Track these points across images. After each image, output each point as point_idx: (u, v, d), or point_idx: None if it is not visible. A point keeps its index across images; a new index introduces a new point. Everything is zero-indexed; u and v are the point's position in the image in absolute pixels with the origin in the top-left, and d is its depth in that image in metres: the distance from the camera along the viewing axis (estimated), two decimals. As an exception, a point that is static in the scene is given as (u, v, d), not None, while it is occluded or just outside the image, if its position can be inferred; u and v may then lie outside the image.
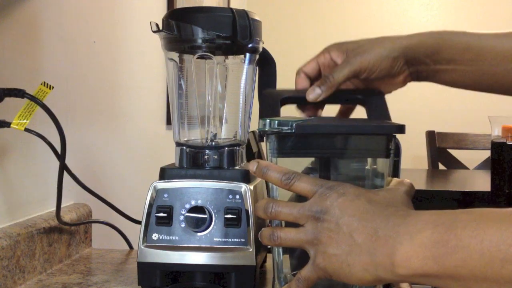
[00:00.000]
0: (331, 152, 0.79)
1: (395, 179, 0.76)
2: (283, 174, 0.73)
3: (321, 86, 0.88)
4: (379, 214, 0.67)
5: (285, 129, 0.75)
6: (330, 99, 0.89)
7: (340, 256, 0.67)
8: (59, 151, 1.06)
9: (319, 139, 0.78)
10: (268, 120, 0.77)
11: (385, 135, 0.77)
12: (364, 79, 0.90)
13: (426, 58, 0.89)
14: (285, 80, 1.02)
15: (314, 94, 0.88)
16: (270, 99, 0.88)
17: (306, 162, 0.81)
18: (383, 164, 0.78)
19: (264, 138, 0.80)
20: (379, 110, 0.86)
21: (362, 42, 0.91)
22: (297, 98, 0.91)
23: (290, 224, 0.74)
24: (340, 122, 0.79)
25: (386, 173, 0.78)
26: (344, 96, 0.90)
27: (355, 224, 0.66)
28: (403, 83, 0.93)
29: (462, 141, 3.33)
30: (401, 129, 0.76)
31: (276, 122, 0.76)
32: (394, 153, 0.77)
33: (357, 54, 0.89)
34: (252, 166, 0.75)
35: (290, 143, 0.78)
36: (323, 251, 0.68)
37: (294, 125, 0.74)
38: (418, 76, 0.92)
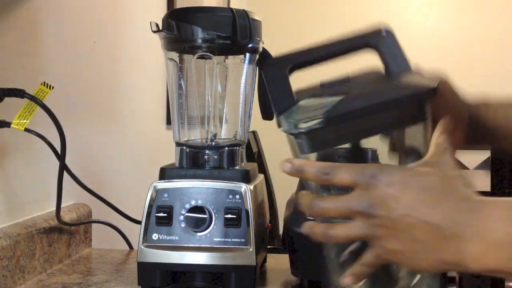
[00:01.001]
0: (365, 132, 0.72)
1: (432, 143, 0.68)
2: (319, 169, 0.67)
3: None
4: (438, 207, 0.61)
5: (315, 125, 0.67)
6: (338, 51, 0.78)
7: (403, 253, 0.63)
8: (59, 151, 1.06)
9: (351, 123, 0.70)
10: (291, 121, 0.69)
11: (422, 100, 0.70)
12: None
13: (487, 121, 0.86)
14: (285, 80, 1.02)
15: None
16: (275, 70, 0.77)
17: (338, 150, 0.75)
18: (418, 132, 0.72)
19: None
20: (395, 54, 0.76)
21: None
22: (309, 61, 0.79)
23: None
24: (369, 99, 0.70)
25: (422, 141, 0.71)
26: (353, 43, 0.78)
27: (413, 220, 0.61)
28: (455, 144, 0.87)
29: (462, 141, 3.32)
30: (435, 90, 0.68)
31: (302, 119, 0.68)
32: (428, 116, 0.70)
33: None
34: (285, 166, 0.68)
35: (320, 136, 0.70)
36: (382, 246, 0.63)
37: (323, 118, 0.66)
38: (474, 137, 0.86)
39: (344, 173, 0.65)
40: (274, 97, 0.75)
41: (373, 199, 0.63)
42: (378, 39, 0.77)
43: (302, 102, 0.73)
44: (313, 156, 0.71)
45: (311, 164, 0.68)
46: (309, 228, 0.69)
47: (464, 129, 0.83)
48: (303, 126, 0.68)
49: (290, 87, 0.75)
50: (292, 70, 0.77)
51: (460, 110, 0.82)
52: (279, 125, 0.72)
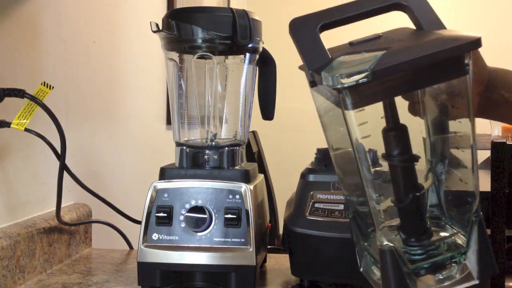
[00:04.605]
0: (410, 86, 0.71)
1: None
2: None
3: None
4: None
5: (361, 79, 0.64)
6: (367, 9, 0.77)
7: None
8: (59, 151, 1.06)
9: (397, 77, 0.68)
10: (336, 75, 0.66)
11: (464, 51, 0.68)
12: None
13: (500, 84, 0.85)
14: (285, 80, 1.02)
15: None
16: (305, 29, 0.74)
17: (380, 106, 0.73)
18: (462, 83, 0.71)
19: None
20: (425, 11, 0.75)
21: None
22: (339, 20, 0.77)
23: None
24: (414, 52, 0.68)
25: (468, 94, 0.70)
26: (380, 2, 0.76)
27: None
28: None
29: (462, 141, 3.32)
30: (479, 42, 0.67)
31: (346, 74, 0.65)
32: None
33: None
34: None
35: (366, 91, 0.68)
36: None
37: (369, 71, 0.64)
38: (489, 104, 0.85)
39: None
40: (307, 56, 0.73)
41: None
42: None
43: (340, 58, 0.71)
44: (353, 113, 0.69)
45: None
46: None
47: (481, 93, 0.82)
48: (348, 80, 0.65)
49: (323, 45, 0.73)
50: (322, 29, 0.75)
51: (481, 71, 0.81)
52: (314, 84, 0.69)
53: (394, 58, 0.67)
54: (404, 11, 0.77)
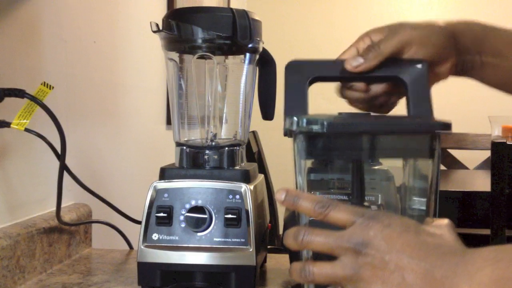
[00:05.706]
0: (367, 153, 0.72)
1: (436, 220, 0.68)
2: (316, 203, 0.64)
3: (364, 56, 0.77)
4: (433, 251, 0.59)
5: (315, 128, 0.66)
6: (367, 78, 0.78)
7: None
8: (59, 151, 1.06)
9: (354, 139, 0.69)
10: (295, 118, 0.69)
11: (429, 134, 0.69)
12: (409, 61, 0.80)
13: (473, 46, 0.83)
14: (285, 80, 1.02)
15: (355, 62, 0.77)
16: (297, 75, 0.77)
17: (336, 163, 0.75)
18: (425, 166, 0.71)
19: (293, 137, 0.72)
20: (421, 100, 0.77)
21: (409, 22, 0.83)
22: (334, 77, 0.80)
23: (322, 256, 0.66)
24: (377, 120, 0.71)
25: (429, 176, 0.71)
26: (384, 72, 0.78)
27: (405, 261, 0.59)
28: (446, 74, 0.83)
29: (462, 141, 3.32)
30: (447, 126, 0.69)
31: (305, 120, 0.68)
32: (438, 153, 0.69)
33: (406, 28, 0.80)
34: (280, 195, 0.66)
35: (321, 143, 0.69)
36: None
37: (325, 123, 0.66)
38: (463, 68, 0.84)
39: (342, 211, 0.63)
40: (288, 103, 0.75)
41: (368, 237, 0.61)
42: (409, 72, 0.77)
43: (313, 114, 0.73)
44: (304, 162, 0.71)
45: (308, 196, 0.66)
46: (290, 268, 0.66)
47: (454, 57, 0.82)
48: (305, 126, 0.67)
49: (306, 98, 0.75)
50: (314, 80, 0.77)
51: (439, 49, 0.80)
52: (287, 133, 0.71)
53: (356, 119, 0.70)
54: (401, 85, 0.78)
